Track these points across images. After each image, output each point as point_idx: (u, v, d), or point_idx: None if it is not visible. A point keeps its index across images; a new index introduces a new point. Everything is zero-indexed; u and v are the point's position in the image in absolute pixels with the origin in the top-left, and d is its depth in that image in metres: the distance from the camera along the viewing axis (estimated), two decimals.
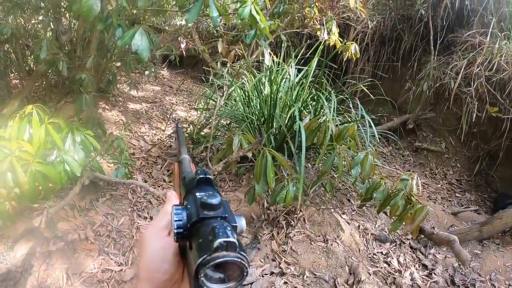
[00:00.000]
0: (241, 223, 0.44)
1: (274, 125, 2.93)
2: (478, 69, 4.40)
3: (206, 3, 2.14)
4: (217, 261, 0.36)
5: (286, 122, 2.88)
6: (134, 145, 3.50)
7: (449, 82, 4.53)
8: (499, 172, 4.56)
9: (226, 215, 0.43)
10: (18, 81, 4.50)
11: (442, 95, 4.89)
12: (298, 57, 3.75)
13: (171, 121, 4.15)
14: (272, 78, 3.22)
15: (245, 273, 0.39)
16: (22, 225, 2.33)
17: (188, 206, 0.45)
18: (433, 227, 3.59)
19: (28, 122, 2.08)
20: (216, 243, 0.36)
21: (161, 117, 4.28)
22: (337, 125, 2.73)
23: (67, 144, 2.20)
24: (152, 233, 0.49)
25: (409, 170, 4.60)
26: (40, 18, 4.28)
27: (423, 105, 5.06)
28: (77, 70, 3.34)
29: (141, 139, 3.63)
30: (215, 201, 0.43)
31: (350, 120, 3.14)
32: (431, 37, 5.07)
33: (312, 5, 4.05)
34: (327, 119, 2.27)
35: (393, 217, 2.25)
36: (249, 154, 2.25)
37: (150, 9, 2.93)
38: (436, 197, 4.12)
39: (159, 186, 2.98)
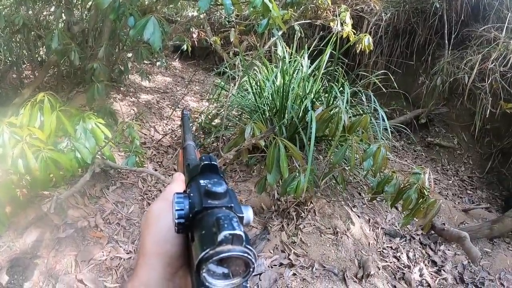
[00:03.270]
0: (248, 213, 0.41)
1: (286, 116, 2.91)
2: (493, 64, 4.31)
3: None
4: (221, 255, 0.33)
5: (298, 113, 2.86)
6: (145, 135, 3.51)
7: (463, 77, 4.46)
8: None
9: (232, 204, 0.39)
10: (30, 71, 4.54)
11: (456, 90, 4.82)
12: (311, 49, 3.72)
13: (181, 111, 4.15)
14: (285, 69, 3.19)
15: (251, 269, 0.36)
16: (32, 212, 2.34)
17: (191, 194, 0.41)
18: (444, 223, 3.55)
19: (39, 110, 2.09)
20: (221, 236, 0.33)
21: (172, 107, 4.28)
22: (349, 117, 2.70)
23: (78, 131, 2.20)
24: (161, 207, 0.46)
25: (420, 165, 4.54)
26: (52, 9, 4.30)
27: (436, 100, 4.99)
28: (89, 60, 3.36)
29: (152, 129, 3.64)
30: (220, 189, 0.39)
31: (362, 112, 3.10)
32: (446, 31, 4.99)
33: None
34: (340, 110, 2.24)
35: (405, 211, 2.22)
36: (261, 143, 2.22)
37: None
38: (447, 193, 4.07)
39: (169, 175, 2.98)
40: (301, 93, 3.13)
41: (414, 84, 5.34)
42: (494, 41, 4.51)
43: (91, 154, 2.25)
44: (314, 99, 2.98)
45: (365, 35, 3.88)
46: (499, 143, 4.61)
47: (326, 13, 4.08)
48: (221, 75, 3.96)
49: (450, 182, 4.34)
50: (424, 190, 2.11)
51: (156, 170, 3.01)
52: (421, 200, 2.09)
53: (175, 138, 3.57)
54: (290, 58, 3.59)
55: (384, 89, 3.65)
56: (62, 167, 2.04)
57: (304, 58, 3.49)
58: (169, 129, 3.76)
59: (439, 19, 5.10)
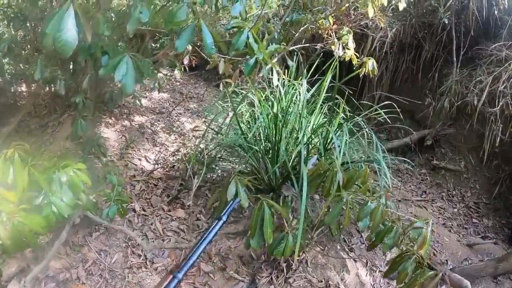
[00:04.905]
0: None
1: (279, 158, 2.74)
2: (504, 86, 4.10)
3: (199, 26, 1.93)
4: None
5: (291, 156, 2.70)
6: (135, 165, 3.38)
7: (472, 99, 4.25)
8: None
9: None
10: (25, 87, 4.44)
11: (464, 110, 4.61)
12: (312, 69, 3.56)
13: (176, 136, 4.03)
14: (277, 109, 3.01)
15: None
16: (14, 263, 2.25)
17: None
18: (446, 260, 3.41)
19: (11, 163, 1.97)
20: None
21: (167, 131, 4.14)
22: (346, 166, 2.54)
23: (54, 185, 2.08)
24: None
25: (425, 191, 4.38)
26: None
27: (443, 120, 4.79)
28: (75, 88, 3.23)
29: (143, 159, 3.50)
30: None
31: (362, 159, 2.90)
32: (454, 47, 4.77)
33: (327, 16, 3.80)
34: (335, 166, 2.06)
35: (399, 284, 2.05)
36: (245, 204, 2.06)
37: (143, 29, 2.74)
38: (451, 224, 3.89)
39: (157, 216, 2.86)
40: (297, 127, 2.98)
41: (420, 100, 5.15)
42: (506, 60, 4.29)
43: (68, 207, 2.13)
44: (309, 140, 2.82)
45: (369, 59, 3.70)
46: (508, 167, 4.41)
47: (328, 33, 3.88)
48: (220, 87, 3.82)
49: (455, 210, 4.16)
50: (424, 260, 1.95)
51: (144, 209, 2.88)
52: (418, 271, 1.93)
53: (167, 169, 3.43)
54: (288, 83, 3.43)
55: (387, 119, 3.44)
56: (37, 228, 1.93)
57: (302, 85, 3.32)
58: (161, 157, 3.62)
59: (447, 34, 4.88)
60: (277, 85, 3.23)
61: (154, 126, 4.16)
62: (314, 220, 2.72)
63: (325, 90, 3.23)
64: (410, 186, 4.41)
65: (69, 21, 1.47)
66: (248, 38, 2.09)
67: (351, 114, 3.41)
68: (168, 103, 4.92)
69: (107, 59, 2.16)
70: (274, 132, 2.85)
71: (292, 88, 3.38)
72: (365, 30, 4.77)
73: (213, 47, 2.01)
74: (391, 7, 5.03)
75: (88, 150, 3.14)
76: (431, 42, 5.04)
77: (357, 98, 5.12)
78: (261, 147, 2.87)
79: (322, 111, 3.29)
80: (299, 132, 2.89)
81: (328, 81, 3.26)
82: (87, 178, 2.22)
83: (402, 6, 3.57)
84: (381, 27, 4.82)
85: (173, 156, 3.65)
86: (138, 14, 2.00)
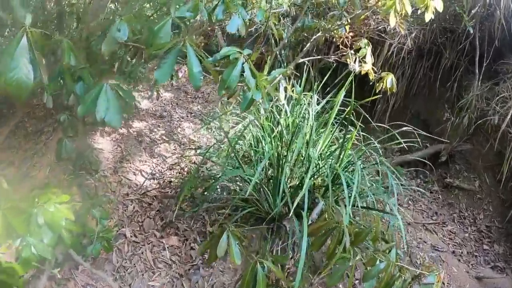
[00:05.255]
0: None
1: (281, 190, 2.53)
2: None
3: (184, 51, 1.59)
4: None
5: (293, 190, 2.49)
6: (130, 180, 3.19)
7: (493, 118, 3.98)
8: None
9: None
10: None
11: (483, 125, 4.34)
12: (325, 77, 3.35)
13: (176, 146, 3.82)
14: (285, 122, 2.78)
15: None
16: None
17: None
18: None
19: None
20: None
21: (167, 139, 3.93)
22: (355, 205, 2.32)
23: (32, 226, 1.91)
24: None
25: (436, 212, 4.16)
26: None
27: (461, 135, 4.51)
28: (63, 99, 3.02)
29: (139, 173, 3.32)
30: None
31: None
32: (477, 58, 4.45)
33: (344, 25, 3.50)
34: (341, 228, 1.85)
35: None
36: (237, 262, 1.87)
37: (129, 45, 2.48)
38: (461, 252, 3.68)
39: (148, 243, 2.69)
40: (303, 153, 2.77)
41: (436, 110, 4.89)
42: None
43: (50, 246, 1.96)
44: (318, 161, 2.60)
45: (387, 74, 3.42)
46: None
47: (342, 42, 3.60)
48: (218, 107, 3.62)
49: (466, 235, 3.94)
50: None
51: (135, 235, 2.71)
52: None
53: (163, 185, 3.25)
54: (299, 98, 3.21)
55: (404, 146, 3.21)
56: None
57: (312, 99, 3.11)
58: (158, 170, 3.42)
59: (470, 42, 4.55)
60: (283, 104, 3.01)
61: (153, 133, 3.95)
62: (316, 259, 2.54)
63: (338, 106, 3.04)
64: (420, 205, 4.18)
65: (22, 57, 1.22)
66: (243, 70, 1.74)
67: (365, 134, 3.22)
68: (170, 105, 4.68)
69: (81, 86, 1.88)
70: (276, 156, 2.66)
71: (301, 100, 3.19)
72: (383, 35, 4.46)
73: (201, 77, 1.70)
74: (412, 10, 4.72)
75: (79, 165, 2.97)
76: (451, 50, 4.72)
77: (370, 104, 4.87)
78: (262, 178, 2.67)
79: (333, 131, 3.08)
80: (304, 162, 2.69)
81: (341, 97, 3.06)
82: (70, 213, 2.05)
83: (428, 17, 3.26)
84: (400, 33, 4.51)
85: (170, 170, 3.45)
86: (115, 32, 1.70)
